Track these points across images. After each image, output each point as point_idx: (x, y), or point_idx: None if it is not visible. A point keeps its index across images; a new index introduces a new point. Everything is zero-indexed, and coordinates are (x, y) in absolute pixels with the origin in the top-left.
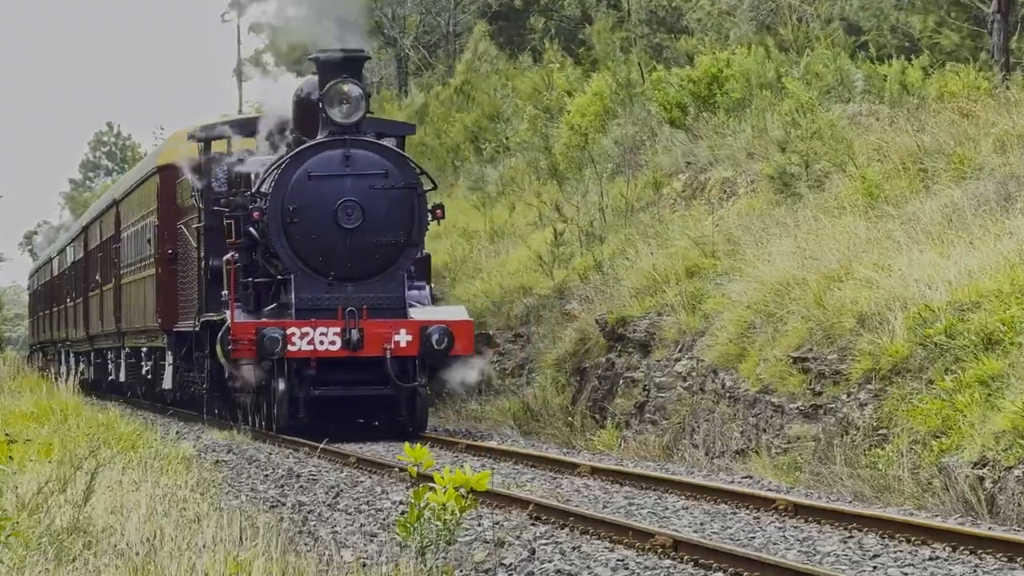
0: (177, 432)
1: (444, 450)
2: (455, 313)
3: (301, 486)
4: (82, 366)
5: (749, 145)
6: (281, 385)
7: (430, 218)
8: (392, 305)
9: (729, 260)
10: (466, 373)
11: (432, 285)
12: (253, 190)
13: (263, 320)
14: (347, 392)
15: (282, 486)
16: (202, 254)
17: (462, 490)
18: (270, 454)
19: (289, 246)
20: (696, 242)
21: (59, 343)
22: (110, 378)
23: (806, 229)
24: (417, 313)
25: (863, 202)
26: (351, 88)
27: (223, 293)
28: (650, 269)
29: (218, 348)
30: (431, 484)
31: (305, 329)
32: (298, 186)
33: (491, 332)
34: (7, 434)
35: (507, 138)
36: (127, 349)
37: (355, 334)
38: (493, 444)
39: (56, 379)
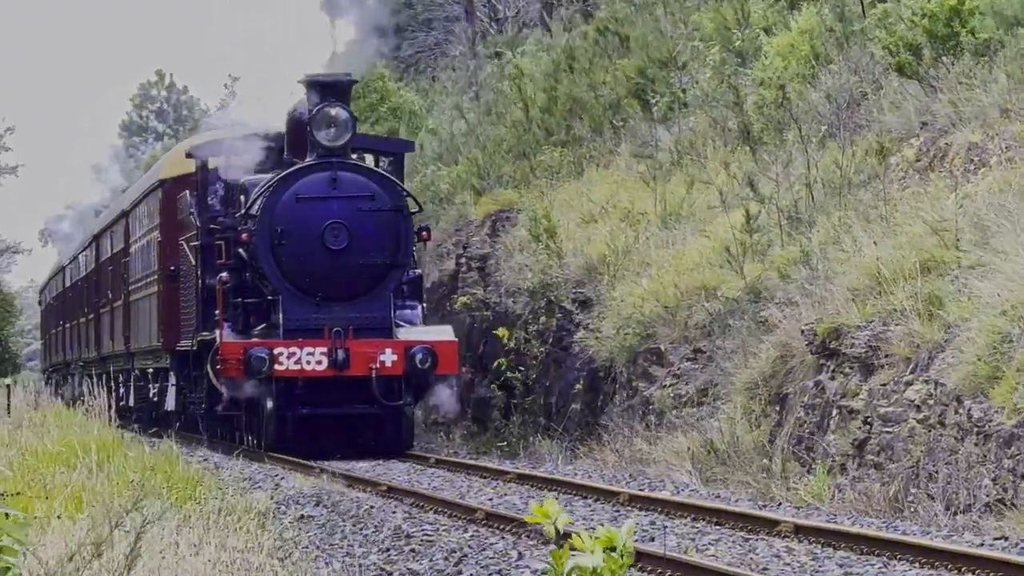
0: (248, 477)
1: (604, 502)
2: (441, 333)
3: (413, 550)
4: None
5: (1004, 100)
6: (269, 404)
7: (416, 240)
8: (378, 325)
9: (978, 252)
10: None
11: (424, 305)
12: (243, 211)
13: (251, 340)
14: (334, 411)
15: (388, 550)
16: (199, 272)
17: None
18: (372, 507)
19: (277, 267)
20: (934, 228)
21: (71, 364)
22: (120, 403)
23: None
24: (402, 333)
25: None
26: (338, 112)
27: (216, 312)
28: (873, 263)
29: (207, 367)
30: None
31: (292, 349)
32: (286, 208)
33: (662, 347)
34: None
35: (684, 91)
36: (136, 371)
37: (341, 354)
38: (665, 495)
39: (86, 408)
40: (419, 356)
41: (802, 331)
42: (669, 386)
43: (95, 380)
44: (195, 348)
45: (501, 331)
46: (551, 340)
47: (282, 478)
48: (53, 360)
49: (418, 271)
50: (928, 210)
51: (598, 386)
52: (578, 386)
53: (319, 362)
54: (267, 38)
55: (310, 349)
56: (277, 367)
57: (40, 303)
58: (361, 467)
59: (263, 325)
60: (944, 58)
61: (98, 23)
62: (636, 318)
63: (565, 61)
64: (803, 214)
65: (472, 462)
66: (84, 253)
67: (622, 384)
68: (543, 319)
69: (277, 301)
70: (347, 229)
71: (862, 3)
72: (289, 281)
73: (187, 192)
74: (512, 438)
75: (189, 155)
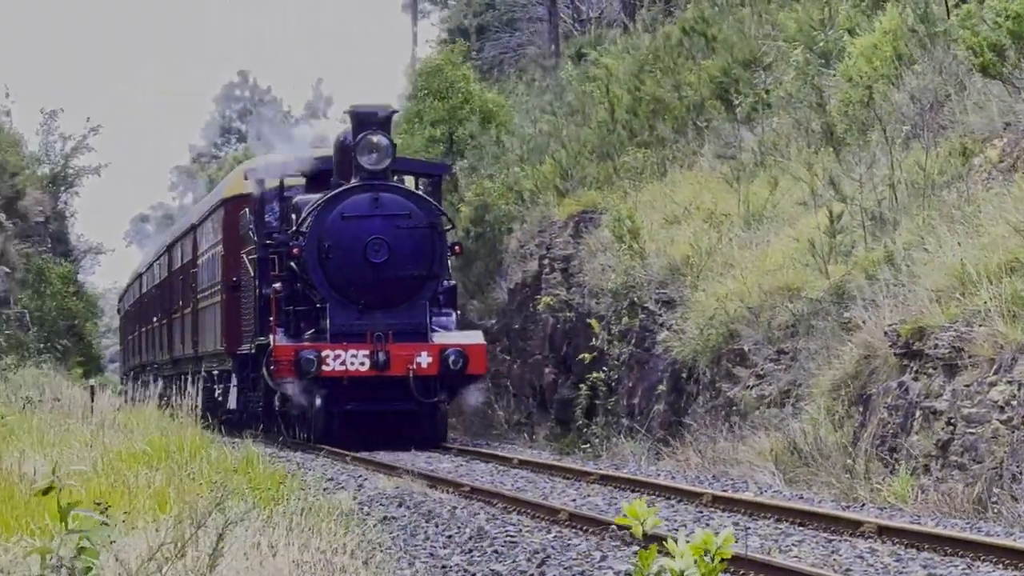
0: (331, 478)
1: (687, 503)
2: (472, 337)
3: (495, 551)
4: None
5: None
6: (317, 401)
7: (450, 254)
8: (415, 330)
9: None
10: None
11: (458, 313)
12: (294, 228)
13: (301, 343)
14: (375, 407)
15: (470, 551)
16: (257, 283)
17: (708, 556)
18: (455, 508)
19: (324, 278)
20: (1017, 228)
21: (147, 367)
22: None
23: None
24: (437, 337)
25: None
26: (380, 139)
27: (270, 319)
28: (957, 264)
29: (263, 369)
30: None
31: (338, 351)
32: (333, 225)
33: (745, 348)
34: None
35: (767, 92)
36: (204, 373)
37: (382, 356)
38: (748, 496)
39: (172, 408)
40: (452, 358)
41: (885, 332)
42: (752, 387)
43: (167, 382)
44: (253, 351)
45: (593, 322)
46: (634, 341)
47: (365, 479)
48: (131, 363)
49: (452, 282)
50: (1012, 211)
51: (681, 387)
52: (661, 387)
53: (362, 363)
54: (349, 39)
55: (354, 351)
56: (324, 368)
57: (119, 311)
58: (444, 467)
59: (312, 330)
60: None
61: (182, 23)
62: (719, 319)
63: (650, 61)
64: (887, 215)
65: (555, 463)
66: (158, 262)
67: (705, 385)
68: (626, 320)
69: (324, 308)
70: (387, 244)
71: (946, 3)
72: (335, 290)
73: (247, 209)
74: (595, 439)
75: (247, 175)
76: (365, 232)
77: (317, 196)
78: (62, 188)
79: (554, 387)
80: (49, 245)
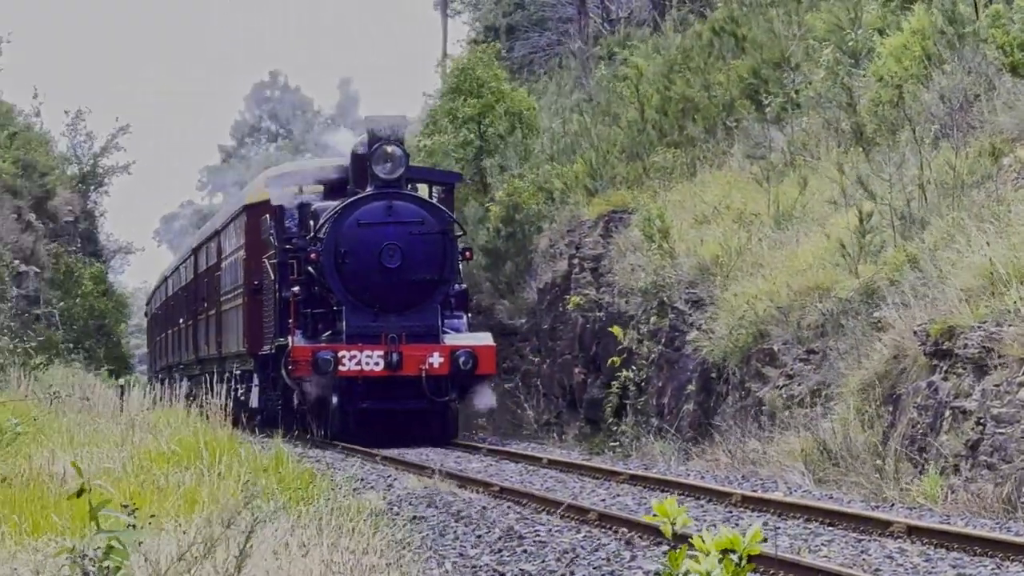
0: (360, 478)
1: (716, 503)
2: (481, 339)
3: (525, 550)
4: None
5: None
6: (334, 399)
7: (461, 259)
8: (427, 332)
9: None
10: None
11: (469, 315)
12: (312, 234)
13: (318, 344)
14: (389, 406)
15: (500, 551)
16: (277, 286)
17: (735, 556)
18: (484, 508)
19: (341, 282)
20: None
21: (173, 367)
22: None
23: None
24: (448, 339)
25: None
26: (394, 150)
27: (289, 321)
28: (986, 264)
29: (282, 368)
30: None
31: (353, 352)
32: (349, 232)
33: (774, 348)
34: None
35: (797, 91)
36: (228, 372)
37: (395, 357)
38: (778, 496)
39: (201, 408)
40: (462, 359)
41: (915, 332)
42: (782, 387)
43: (193, 381)
44: (273, 352)
45: (616, 329)
46: (663, 340)
47: (394, 479)
48: (159, 365)
49: (463, 286)
50: None
51: (711, 386)
52: (691, 386)
53: (376, 363)
54: (379, 38)
55: (369, 352)
56: (340, 368)
57: (146, 314)
58: (474, 467)
59: (329, 332)
60: None
61: (213, 23)
62: (749, 318)
63: (680, 61)
64: (916, 215)
65: (585, 463)
66: (184, 265)
67: (735, 385)
68: (655, 319)
69: (341, 311)
70: (401, 250)
71: (975, 3)
72: (351, 294)
73: (267, 216)
74: (624, 439)
75: (267, 184)
76: (380, 238)
77: (334, 203)
78: (92, 187)
79: (583, 387)
80: (78, 244)
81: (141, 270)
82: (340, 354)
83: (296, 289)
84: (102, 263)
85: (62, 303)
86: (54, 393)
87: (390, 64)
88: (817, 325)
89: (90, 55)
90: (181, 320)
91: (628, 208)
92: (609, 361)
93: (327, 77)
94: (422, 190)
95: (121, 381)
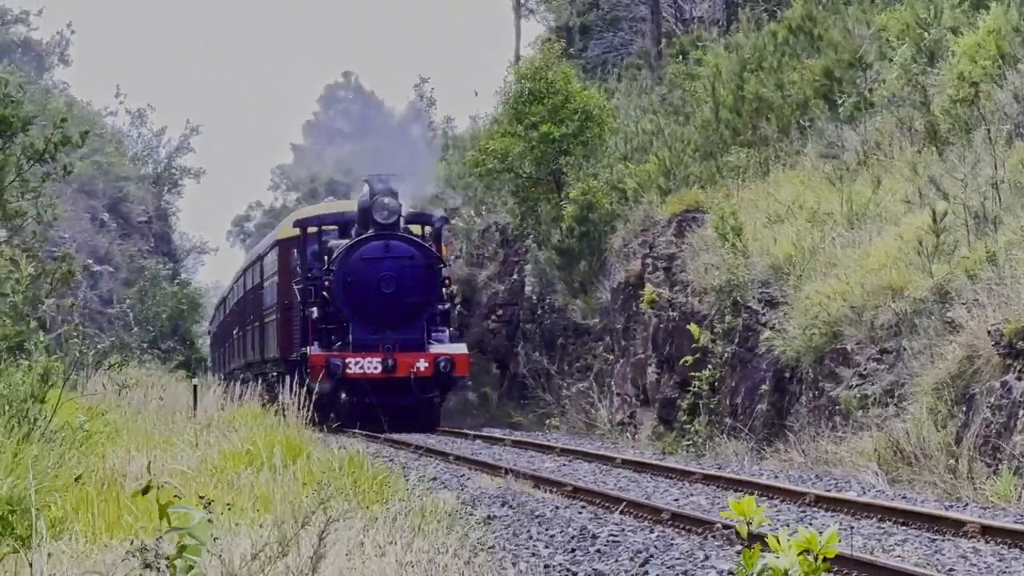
0: (434, 477)
1: (790, 503)
2: (458, 348)
3: (598, 550)
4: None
5: None
6: (343, 396)
7: (443, 285)
8: (416, 343)
9: None
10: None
11: (452, 329)
12: (326, 267)
13: (331, 353)
14: (386, 401)
15: (573, 550)
16: (301, 306)
17: (811, 555)
18: (557, 508)
19: (348, 304)
20: None
21: (233, 371)
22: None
23: None
24: (432, 348)
25: None
26: (389, 201)
27: (309, 335)
28: None
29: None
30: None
31: (358, 359)
32: (354, 265)
33: (848, 347)
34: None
35: (871, 90)
36: (268, 374)
37: (391, 362)
38: (851, 495)
39: (277, 409)
40: (443, 363)
41: (989, 331)
42: (855, 386)
43: (243, 382)
44: (298, 358)
45: (693, 327)
46: (737, 340)
47: (468, 478)
48: (223, 372)
49: (445, 307)
50: None
51: (784, 386)
52: (764, 386)
53: (376, 367)
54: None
55: (370, 359)
56: (348, 371)
57: (208, 332)
58: (547, 467)
59: (339, 343)
60: None
61: (287, 23)
62: (822, 318)
63: (754, 60)
64: (990, 214)
65: (658, 462)
66: (238, 283)
67: (808, 384)
68: (729, 319)
69: (348, 326)
70: (395, 279)
71: None
72: (356, 313)
73: (295, 249)
74: (698, 438)
75: (294, 224)
76: (379, 270)
77: (344, 242)
78: (165, 188)
79: (657, 386)
80: (152, 244)
81: (215, 269)
82: (347, 360)
83: (314, 309)
84: (176, 263)
85: (140, 305)
86: (122, 384)
87: (464, 64)
88: (890, 325)
89: (161, 55)
90: (235, 331)
91: (701, 207)
92: (682, 360)
93: (400, 77)
94: (417, 229)
95: (195, 381)
